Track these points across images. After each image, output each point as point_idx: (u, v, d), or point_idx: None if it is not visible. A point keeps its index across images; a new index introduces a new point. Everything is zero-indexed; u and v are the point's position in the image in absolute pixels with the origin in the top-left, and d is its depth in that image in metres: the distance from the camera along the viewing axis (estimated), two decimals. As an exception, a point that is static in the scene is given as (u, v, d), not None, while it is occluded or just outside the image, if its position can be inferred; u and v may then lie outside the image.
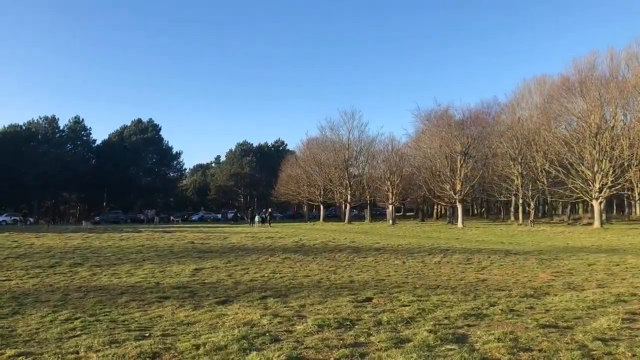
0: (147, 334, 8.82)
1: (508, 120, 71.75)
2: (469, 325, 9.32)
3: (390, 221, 70.68)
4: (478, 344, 7.95)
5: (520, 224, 59.45)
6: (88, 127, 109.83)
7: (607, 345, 7.78)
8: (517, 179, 62.24)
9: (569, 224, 60.39)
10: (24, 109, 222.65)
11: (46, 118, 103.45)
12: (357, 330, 8.99)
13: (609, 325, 9.03)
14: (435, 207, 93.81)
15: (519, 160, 61.68)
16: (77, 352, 7.58)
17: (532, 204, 61.53)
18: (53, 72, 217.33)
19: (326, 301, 11.89)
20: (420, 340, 8.14)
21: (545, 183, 60.25)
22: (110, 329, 9.31)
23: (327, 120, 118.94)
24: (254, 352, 7.35)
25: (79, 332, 9.02)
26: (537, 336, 8.36)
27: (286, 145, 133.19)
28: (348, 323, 9.53)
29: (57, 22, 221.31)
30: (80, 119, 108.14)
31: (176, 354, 7.46)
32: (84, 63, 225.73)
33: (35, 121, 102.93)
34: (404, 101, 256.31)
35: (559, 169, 54.70)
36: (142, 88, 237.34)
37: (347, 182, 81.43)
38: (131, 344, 8.06)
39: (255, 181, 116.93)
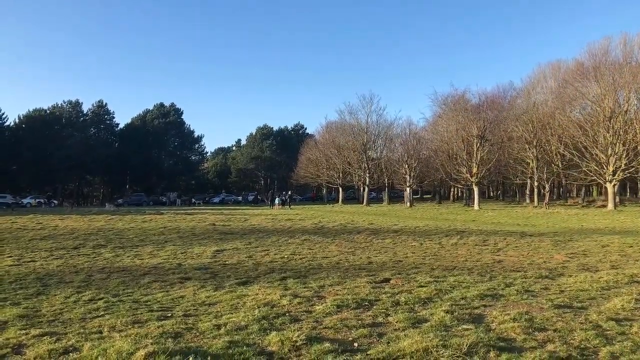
0: (169, 314, 8.85)
1: (523, 104, 71.08)
2: (485, 306, 9.28)
3: (408, 203, 70.44)
4: (494, 324, 7.92)
5: (536, 206, 59.01)
6: (111, 111, 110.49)
7: (621, 325, 7.73)
8: (532, 162, 61.77)
9: (583, 206, 59.88)
10: (48, 93, 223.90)
11: (70, 102, 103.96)
12: (375, 310, 8.96)
13: (622, 306, 8.95)
14: (452, 189, 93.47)
15: (534, 143, 61.17)
16: (101, 332, 7.62)
17: (547, 186, 61.13)
18: (77, 57, 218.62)
19: (345, 282, 11.87)
20: (437, 320, 8.11)
21: (560, 166, 59.78)
22: (133, 309, 9.34)
23: (346, 104, 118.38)
24: (274, 332, 7.35)
25: (102, 313, 9.07)
26: (552, 316, 8.31)
27: (306, 129, 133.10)
28: (366, 303, 9.51)
29: (81, 7, 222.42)
30: (104, 103, 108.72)
31: (198, 334, 7.48)
32: (106, 48, 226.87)
33: (60, 105, 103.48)
34: (421, 86, 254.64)
35: (574, 152, 54.24)
36: (164, 73, 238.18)
37: (366, 165, 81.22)
38: (153, 324, 8.10)
39: (275, 164, 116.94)
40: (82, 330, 7.75)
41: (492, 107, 66.28)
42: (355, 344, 6.89)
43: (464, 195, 79.16)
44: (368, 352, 6.49)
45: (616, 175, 50.31)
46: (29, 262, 15.78)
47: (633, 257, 16.21)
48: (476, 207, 59.22)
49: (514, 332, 7.34)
